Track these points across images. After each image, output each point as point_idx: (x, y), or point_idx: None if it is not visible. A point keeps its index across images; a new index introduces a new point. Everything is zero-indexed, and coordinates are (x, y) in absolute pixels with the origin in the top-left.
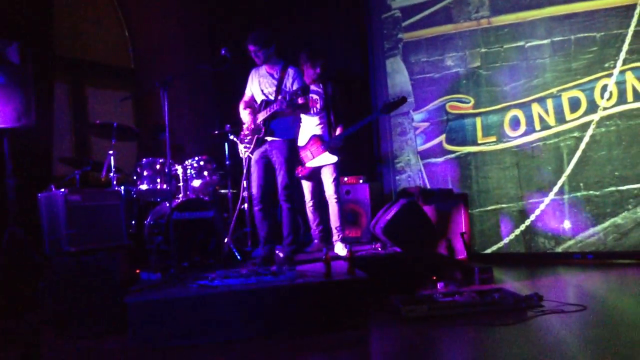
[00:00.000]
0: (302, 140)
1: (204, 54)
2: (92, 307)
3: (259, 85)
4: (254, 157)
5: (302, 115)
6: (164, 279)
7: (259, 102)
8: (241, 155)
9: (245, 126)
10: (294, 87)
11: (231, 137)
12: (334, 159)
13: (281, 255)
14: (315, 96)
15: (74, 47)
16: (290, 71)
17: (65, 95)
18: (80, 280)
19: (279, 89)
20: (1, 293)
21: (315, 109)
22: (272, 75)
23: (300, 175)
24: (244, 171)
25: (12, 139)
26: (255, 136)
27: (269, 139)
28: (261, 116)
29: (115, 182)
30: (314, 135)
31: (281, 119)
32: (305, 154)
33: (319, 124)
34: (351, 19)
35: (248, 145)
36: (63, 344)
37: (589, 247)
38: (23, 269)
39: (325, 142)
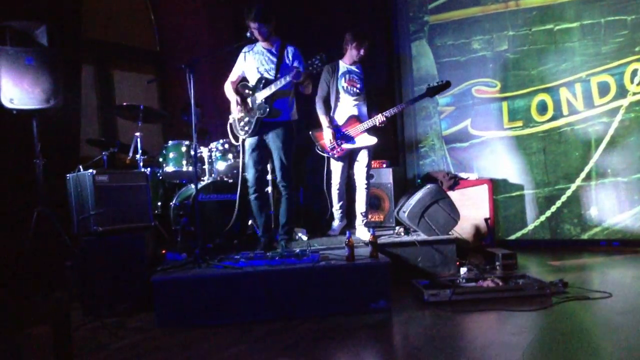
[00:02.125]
0: (340, 120)
1: (228, 37)
2: (119, 286)
3: (254, 63)
4: (250, 141)
5: (342, 95)
6: (189, 259)
7: (254, 80)
8: (236, 139)
9: (238, 107)
10: (295, 65)
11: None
12: (373, 140)
13: (304, 237)
14: (355, 77)
15: (101, 29)
16: (290, 48)
17: (92, 77)
18: (107, 259)
19: (278, 67)
20: (30, 272)
21: (355, 89)
22: (270, 52)
23: (336, 155)
24: (242, 155)
25: (40, 120)
26: (256, 117)
27: (267, 120)
28: (262, 95)
29: (141, 164)
30: (353, 115)
31: (281, 99)
32: (343, 134)
33: (358, 104)
34: (376, 1)
35: (246, 128)
36: (90, 321)
37: (615, 234)
38: (51, 248)
39: (364, 122)
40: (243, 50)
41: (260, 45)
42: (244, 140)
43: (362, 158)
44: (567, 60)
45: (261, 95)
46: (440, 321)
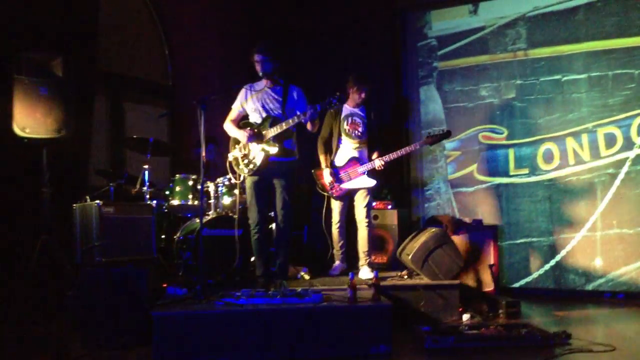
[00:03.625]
0: (340, 162)
1: (241, 73)
2: (119, 318)
3: (258, 101)
4: (254, 179)
5: (344, 138)
6: (190, 295)
7: (258, 119)
8: (238, 177)
9: (245, 142)
10: (299, 107)
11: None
12: (372, 182)
13: (306, 276)
14: (358, 120)
15: (115, 62)
16: (295, 89)
17: (104, 108)
18: (109, 290)
19: (284, 106)
20: (31, 299)
21: (357, 132)
22: (274, 91)
23: (334, 194)
24: (242, 193)
25: (50, 149)
26: (263, 156)
27: (273, 159)
28: (271, 133)
29: (147, 196)
30: (353, 157)
31: (287, 140)
32: (342, 175)
33: (359, 147)
34: (386, 45)
35: (250, 166)
36: (88, 353)
37: (620, 286)
38: (53, 276)
39: (363, 165)
40: (244, 88)
41: (263, 84)
42: (243, 179)
43: (362, 198)
44: (574, 111)
45: (270, 133)
46: None
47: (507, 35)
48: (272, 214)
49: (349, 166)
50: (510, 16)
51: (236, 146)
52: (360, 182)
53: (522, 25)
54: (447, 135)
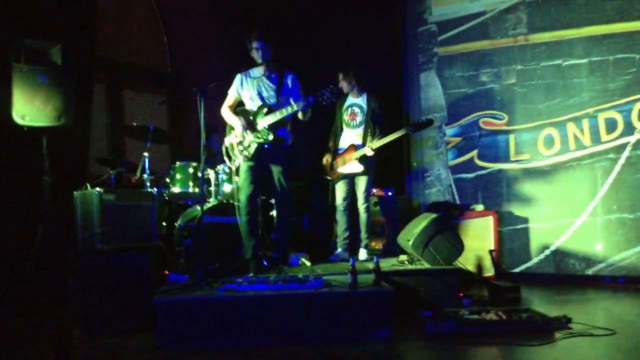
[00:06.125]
0: (341, 148)
1: (241, 60)
2: (121, 305)
3: (254, 88)
4: (248, 164)
5: (345, 128)
6: (192, 281)
7: (253, 106)
8: (233, 163)
9: (239, 131)
10: (297, 93)
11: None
12: (360, 168)
13: (307, 263)
14: (357, 109)
15: (114, 50)
16: (290, 76)
17: (103, 96)
18: (111, 278)
19: (278, 94)
20: (33, 288)
21: (355, 122)
22: (269, 78)
23: (332, 178)
24: (239, 178)
25: (50, 138)
26: (257, 143)
27: (268, 146)
28: (266, 121)
29: (148, 184)
30: (352, 145)
31: (282, 127)
32: (339, 160)
33: (359, 135)
34: (386, 31)
35: (245, 153)
36: (90, 339)
37: (620, 271)
38: (55, 264)
39: (357, 151)
40: (240, 74)
41: (258, 71)
42: (238, 164)
43: (360, 185)
44: (575, 96)
45: (265, 122)
46: (442, 354)
47: (507, 20)
48: (273, 200)
49: (347, 152)
50: (510, 1)
51: (232, 132)
52: (352, 167)
53: (522, 10)
54: (429, 123)
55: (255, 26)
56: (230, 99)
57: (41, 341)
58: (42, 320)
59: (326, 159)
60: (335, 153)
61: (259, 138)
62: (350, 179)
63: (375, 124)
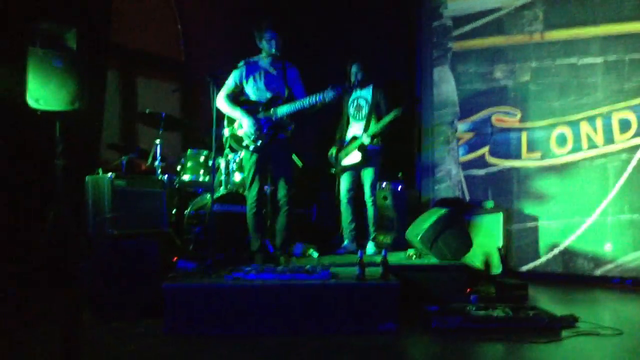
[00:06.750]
0: (348, 139)
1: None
2: (130, 290)
3: (260, 79)
4: (257, 156)
5: (351, 121)
6: (200, 269)
7: (262, 97)
8: (237, 154)
9: (250, 122)
10: (296, 86)
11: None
12: (357, 158)
13: (314, 254)
14: (362, 102)
15: (128, 36)
16: (292, 69)
17: (116, 82)
18: (120, 262)
19: (285, 84)
20: (43, 270)
21: (360, 114)
22: (277, 70)
23: (337, 170)
24: (244, 170)
25: (63, 122)
26: (272, 134)
27: (282, 136)
28: (282, 111)
29: (159, 171)
30: (354, 136)
31: (285, 119)
32: (343, 151)
33: (364, 127)
34: (400, 25)
35: (254, 144)
36: (98, 324)
37: (629, 272)
38: (65, 248)
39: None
40: (243, 64)
41: (266, 62)
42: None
43: (367, 177)
44: (589, 95)
45: (280, 112)
46: (448, 349)
47: (523, 17)
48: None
49: (349, 144)
50: None
51: (241, 123)
52: (353, 157)
53: (539, 7)
54: (417, 101)
55: (265, 16)
56: (228, 89)
57: (50, 324)
58: (50, 303)
59: (332, 152)
60: (342, 145)
61: (274, 130)
62: (356, 171)
63: (378, 116)
